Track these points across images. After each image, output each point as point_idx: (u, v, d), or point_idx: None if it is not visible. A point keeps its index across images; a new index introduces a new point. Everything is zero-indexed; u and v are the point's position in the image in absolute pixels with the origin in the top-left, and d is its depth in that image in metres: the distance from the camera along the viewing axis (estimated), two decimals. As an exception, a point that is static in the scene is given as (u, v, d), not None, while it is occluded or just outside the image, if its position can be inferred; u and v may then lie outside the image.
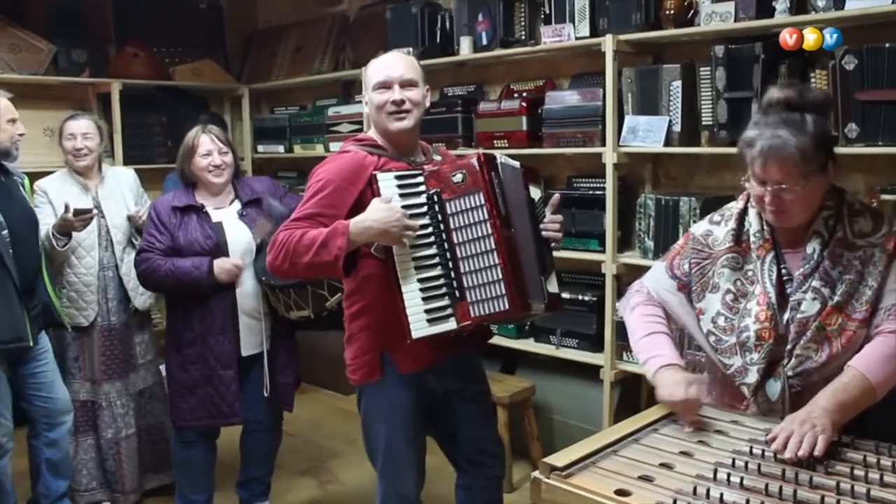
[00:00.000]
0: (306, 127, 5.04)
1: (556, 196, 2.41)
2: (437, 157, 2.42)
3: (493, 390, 3.46)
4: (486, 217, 2.11)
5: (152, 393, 3.60)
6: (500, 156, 2.29)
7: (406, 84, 2.29)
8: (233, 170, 3.14)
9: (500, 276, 2.09)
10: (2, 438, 2.95)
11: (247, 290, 3.04)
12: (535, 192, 2.41)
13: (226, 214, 3.10)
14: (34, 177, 3.36)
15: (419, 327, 2.11)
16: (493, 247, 2.11)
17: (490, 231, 2.11)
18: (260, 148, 5.46)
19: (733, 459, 1.55)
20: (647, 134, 3.35)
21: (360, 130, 4.53)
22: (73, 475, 3.42)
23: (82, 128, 3.40)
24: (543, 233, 2.35)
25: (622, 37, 3.36)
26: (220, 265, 2.95)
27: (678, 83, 3.26)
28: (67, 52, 4.78)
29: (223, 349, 3.01)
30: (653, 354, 1.93)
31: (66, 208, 3.13)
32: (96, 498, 3.50)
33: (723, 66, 3.08)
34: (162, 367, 3.46)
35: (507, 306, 2.09)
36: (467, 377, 2.46)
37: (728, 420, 1.80)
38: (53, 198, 3.32)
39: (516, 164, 2.35)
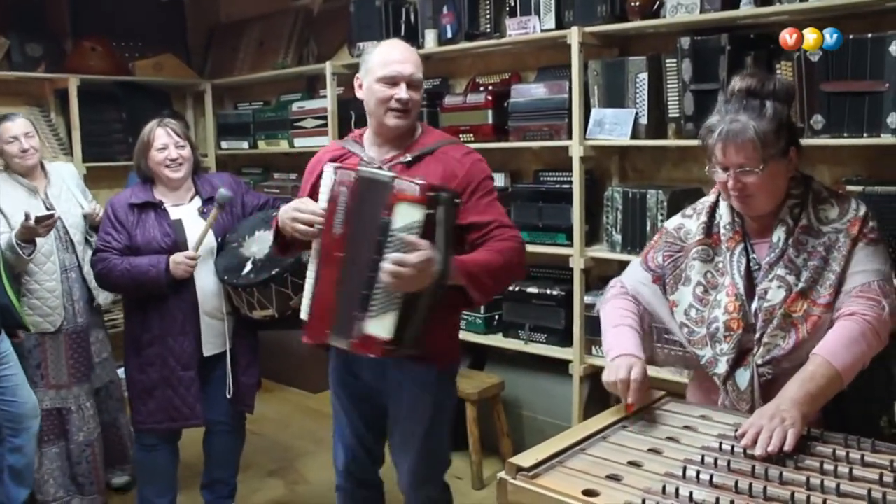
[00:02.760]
0: (270, 122, 4.96)
1: (412, 239, 1.98)
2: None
3: (462, 386, 3.46)
4: (322, 228, 2.14)
5: (108, 391, 3.53)
6: (368, 167, 2.17)
7: (413, 84, 2.25)
8: (191, 164, 3.04)
9: (310, 294, 2.18)
10: None
11: (208, 290, 2.96)
12: (410, 216, 1.99)
13: (185, 211, 3.02)
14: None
15: None
16: (316, 261, 2.17)
17: (317, 245, 2.17)
18: (224, 144, 5.37)
19: (702, 456, 1.52)
20: (614, 127, 3.34)
21: (326, 125, 4.48)
22: (39, 487, 3.34)
23: (22, 128, 3.28)
24: (382, 266, 1.99)
25: (588, 29, 3.33)
26: (174, 259, 2.85)
27: (644, 75, 3.25)
28: (21, 47, 4.65)
29: (184, 350, 2.94)
30: (612, 346, 1.93)
31: (27, 216, 3.00)
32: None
33: (689, 58, 3.07)
34: (120, 371, 3.37)
35: (305, 326, 2.19)
36: None
37: (697, 415, 1.78)
38: (2, 205, 3.20)
39: (385, 176, 2.06)
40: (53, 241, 3.26)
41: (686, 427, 1.72)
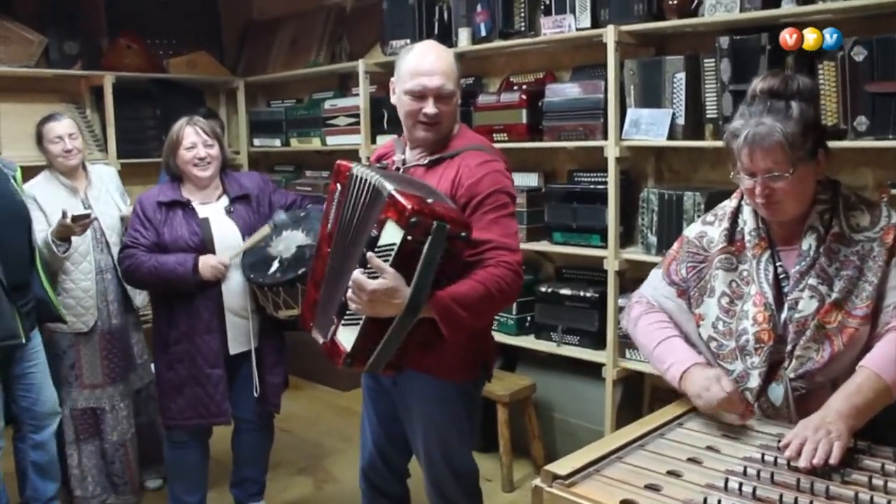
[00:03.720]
0: (303, 120, 4.96)
1: (378, 263, 1.89)
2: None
3: (493, 388, 3.43)
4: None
5: (148, 392, 3.54)
6: (366, 172, 2.07)
7: (443, 97, 2.16)
8: (219, 163, 3.04)
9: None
10: None
11: (234, 288, 2.96)
12: (391, 237, 1.90)
13: (213, 210, 3.02)
14: (26, 171, 3.24)
15: None
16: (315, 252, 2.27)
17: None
18: (256, 142, 5.38)
19: (745, 467, 1.48)
20: (650, 127, 3.28)
21: (358, 124, 4.47)
22: (79, 483, 3.38)
23: (67, 128, 3.31)
24: (357, 271, 1.94)
25: (624, 28, 3.28)
26: (206, 262, 2.86)
27: (682, 75, 3.19)
28: (59, 45, 4.69)
29: (210, 348, 2.94)
30: (670, 363, 1.85)
31: (64, 214, 3.03)
32: (103, 501, 3.45)
33: (728, 58, 3.01)
34: (152, 366, 3.39)
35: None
36: None
37: (737, 424, 1.74)
38: (43, 203, 3.22)
39: (383, 189, 1.94)
40: (90, 241, 3.28)
41: (726, 437, 1.67)
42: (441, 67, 2.16)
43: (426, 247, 1.87)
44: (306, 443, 4.23)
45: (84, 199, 3.33)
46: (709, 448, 1.61)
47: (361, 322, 2.00)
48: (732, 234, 1.87)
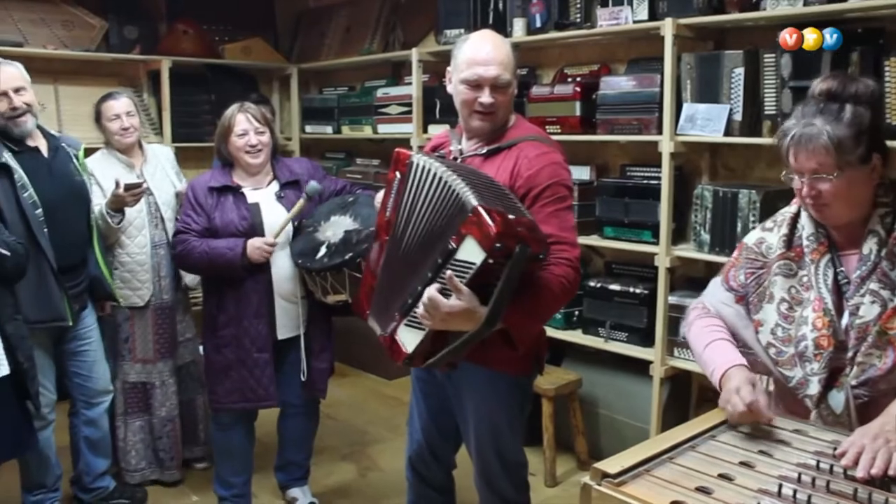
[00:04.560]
0: (355, 108, 4.98)
1: (456, 283, 1.87)
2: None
3: (539, 382, 3.40)
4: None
5: (188, 371, 3.60)
6: (431, 163, 2.02)
7: (499, 86, 2.16)
8: (270, 150, 3.07)
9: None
10: (44, 409, 2.94)
11: (283, 273, 2.99)
12: (471, 255, 1.85)
13: (263, 195, 3.05)
14: (85, 152, 3.32)
15: None
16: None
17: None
18: (308, 128, 5.42)
19: (799, 474, 1.44)
20: (707, 122, 3.23)
21: (410, 112, 4.47)
22: (123, 456, 3.46)
23: (124, 107, 3.38)
24: (432, 287, 1.93)
25: (682, 21, 3.22)
26: (252, 244, 2.89)
27: (741, 70, 3.12)
28: (119, 29, 4.79)
29: (258, 332, 2.98)
30: (714, 367, 1.82)
31: (117, 184, 3.11)
32: (146, 476, 3.52)
33: (789, 53, 2.94)
34: (200, 348, 3.45)
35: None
36: None
37: (791, 429, 1.70)
38: (100, 178, 3.29)
39: (467, 202, 1.86)
40: (145, 216, 3.34)
41: (779, 441, 1.64)
42: (498, 57, 2.16)
43: (507, 269, 1.83)
44: (351, 429, 4.26)
45: (140, 174, 3.39)
46: (761, 452, 1.58)
47: (426, 330, 2.00)
48: (791, 239, 1.84)
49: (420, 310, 1.96)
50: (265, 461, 3.50)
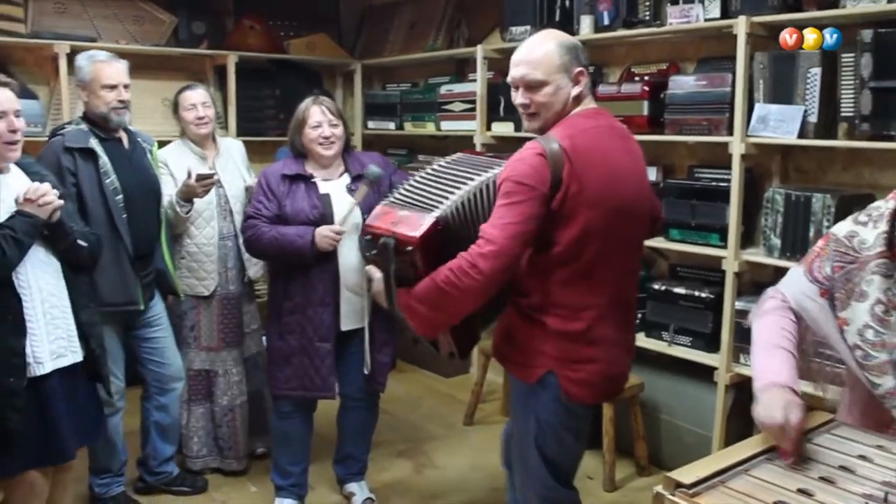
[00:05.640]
0: (418, 104, 4.98)
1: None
2: None
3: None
4: None
5: (255, 362, 3.64)
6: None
7: (531, 86, 2.16)
8: (343, 142, 3.09)
9: None
10: (114, 397, 3.02)
11: (350, 265, 3.00)
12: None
13: (334, 187, 3.07)
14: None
15: None
16: None
17: None
18: (370, 124, 5.44)
19: (886, 494, 1.38)
20: (779, 124, 3.14)
21: (473, 110, 4.45)
22: (185, 442, 3.52)
23: (200, 97, 3.44)
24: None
25: (756, 19, 3.14)
26: (320, 232, 2.91)
27: (817, 70, 3.03)
28: (188, 24, 4.86)
29: (322, 321, 2.99)
30: (768, 369, 1.74)
31: (189, 174, 3.18)
32: (207, 464, 3.59)
33: (869, 53, 2.84)
34: (264, 337, 3.48)
35: None
36: None
37: (872, 444, 1.63)
38: (173, 168, 3.37)
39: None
40: (214, 207, 3.40)
41: (861, 457, 1.57)
42: (528, 57, 2.16)
43: (385, 259, 2.18)
44: (407, 425, 4.26)
45: (212, 167, 3.44)
46: (842, 468, 1.52)
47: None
48: (892, 238, 1.72)
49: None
50: (324, 453, 3.52)
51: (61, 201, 2.43)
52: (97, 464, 3.20)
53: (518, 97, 2.19)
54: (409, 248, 2.14)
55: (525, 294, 2.21)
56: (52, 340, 2.42)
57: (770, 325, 1.85)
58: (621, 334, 2.26)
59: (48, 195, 2.37)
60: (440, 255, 2.12)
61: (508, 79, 2.21)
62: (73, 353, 2.49)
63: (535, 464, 2.28)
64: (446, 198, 2.23)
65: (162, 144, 3.48)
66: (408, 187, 2.37)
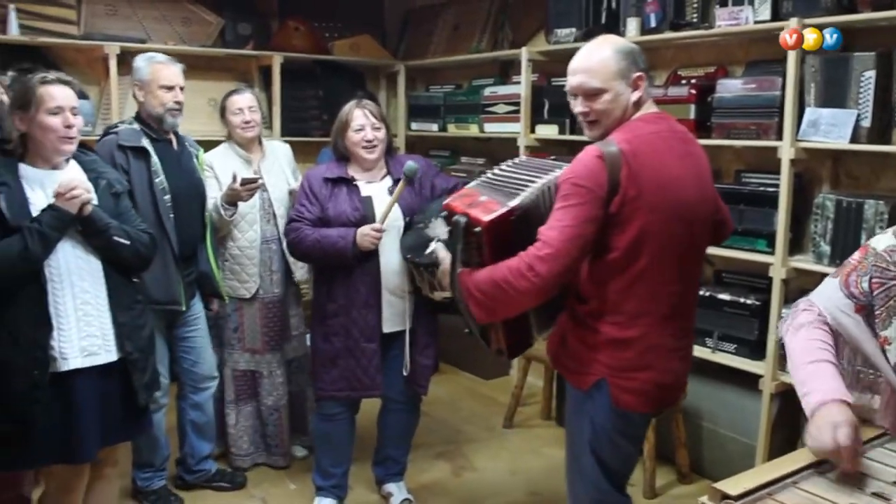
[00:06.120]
0: (461, 106, 4.97)
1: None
2: None
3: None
4: None
5: (299, 364, 3.66)
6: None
7: (590, 94, 2.13)
8: (385, 145, 3.10)
9: None
10: (157, 393, 3.05)
11: (392, 267, 3.01)
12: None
13: (376, 189, 3.07)
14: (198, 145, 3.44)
15: None
16: None
17: None
18: (413, 125, 5.45)
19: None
20: (831, 128, 3.07)
21: (517, 112, 4.43)
22: (234, 441, 3.57)
23: (247, 101, 3.47)
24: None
25: (809, 21, 3.08)
26: (360, 231, 2.92)
27: (871, 73, 2.96)
28: (234, 26, 4.91)
29: (367, 322, 3.01)
30: (812, 389, 1.68)
31: (234, 178, 3.22)
32: (255, 460, 3.64)
33: (928, 56, 2.77)
34: (308, 338, 3.50)
35: None
36: None
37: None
38: (218, 171, 3.41)
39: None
40: (258, 211, 3.43)
41: (913, 473, 1.54)
42: (584, 65, 2.13)
43: (454, 239, 2.22)
44: (447, 427, 4.26)
45: (257, 170, 3.48)
46: (895, 484, 1.48)
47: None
48: None
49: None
50: (363, 454, 3.52)
51: (91, 196, 2.41)
52: (140, 458, 3.26)
53: (577, 106, 2.16)
54: (478, 229, 2.12)
55: (582, 300, 2.19)
56: (83, 338, 2.41)
57: (807, 340, 1.79)
58: (677, 343, 2.21)
59: (76, 189, 2.36)
60: (507, 245, 2.10)
61: (566, 87, 2.20)
62: (106, 353, 2.46)
63: (589, 467, 2.26)
64: (524, 189, 2.21)
65: (206, 145, 3.52)
66: (498, 172, 2.38)
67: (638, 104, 2.16)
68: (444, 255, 2.33)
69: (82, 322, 2.41)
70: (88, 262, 2.44)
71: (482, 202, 2.19)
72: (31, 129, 2.38)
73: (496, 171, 2.43)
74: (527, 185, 2.22)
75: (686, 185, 2.13)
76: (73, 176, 2.44)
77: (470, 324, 2.32)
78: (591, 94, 2.12)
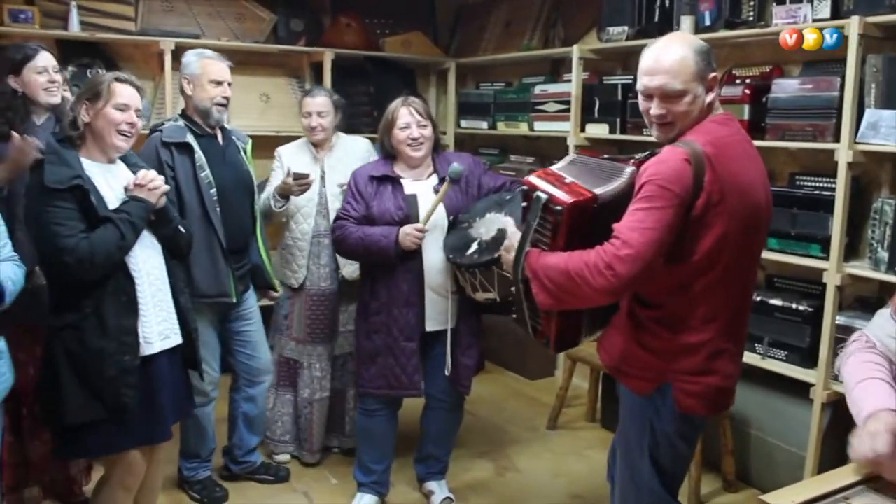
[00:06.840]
0: (511, 104, 4.95)
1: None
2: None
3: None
4: None
5: (344, 361, 3.68)
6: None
7: (669, 96, 2.05)
8: (432, 143, 3.10)
9: None
10: (208, 387, 3.17)
11: (434, 266, 3.01)
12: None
13: (421, 187, 3.07)
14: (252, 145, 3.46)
15: None
16: None
17: None
18: (463, 123, 5.44)
19: None
20: (892, 131, 2.98)
21: (568, 111, 4.38)
22: (269, 426, 3.62)
23: (318, 105, 3.51)
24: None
25: (871, 19, 2.99)
26: (403, 230, 2.92)
27: (936, 75, 2.87)
28: (287, 22, 4.96)
29: (407, 321, 3.01)
30: (863, 406, 1.66)
31: (288, 172, 3.30)
32: (287, 449, 3.68)
33: None
34: (356, 336, 3.52)
35: None
36: None
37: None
38: (286, 162, 3.49)
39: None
40: (315, 205, 3.48)
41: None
42: (664, 65, 2.05)
43: (531, 215, 2.10)
44: (490, 427, 4.24)
45: (322, 165, 3.53)
46: (951, 501, 1.43)
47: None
48: None
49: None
50: (405, 451, 3.53)
51: (167, 186, 2.58)
52: (188, 448, 3.31)
53: (653, 108, 2.08)
54: (559, 208, 2.03)
55: (649, 305, 2.15)
56: (159, 322, 2.53)
57: (859, 364, 1.79)
58: (735, 347, 2.19)
59: (157, 180, 2.51)
60: (582, 231, 2.05)
61: (639, 87, 2.12)
62: (175, 336, 2.60)
63: (647, 474, 2.23)
64: (613, 180, 2.13)
65: (257, 140, 3.55)
66: (586, 160, 2.30)
67: (711, 105, 2.11)
68: (514, 232, 2.23)
69: (157, 307, 2.54)
70: (156, 249, 2.58)
71: (568, 183, 2.09)
72: (95, 121, 2.46)
73: (577, 157, 2.37)
74: (615, 177, 2.15)
75: (758, 190, 2.10)
76: (149, 169, 2.58)
77: (522, 308, 2.20)
78: (672, 97, 2.05)
